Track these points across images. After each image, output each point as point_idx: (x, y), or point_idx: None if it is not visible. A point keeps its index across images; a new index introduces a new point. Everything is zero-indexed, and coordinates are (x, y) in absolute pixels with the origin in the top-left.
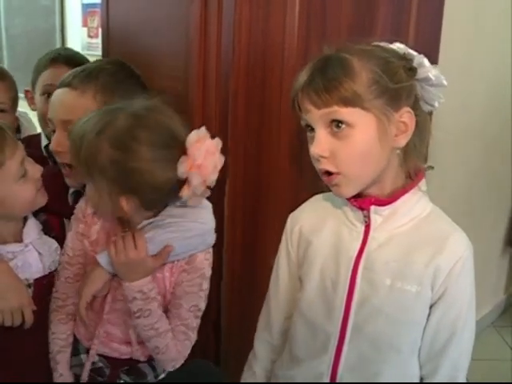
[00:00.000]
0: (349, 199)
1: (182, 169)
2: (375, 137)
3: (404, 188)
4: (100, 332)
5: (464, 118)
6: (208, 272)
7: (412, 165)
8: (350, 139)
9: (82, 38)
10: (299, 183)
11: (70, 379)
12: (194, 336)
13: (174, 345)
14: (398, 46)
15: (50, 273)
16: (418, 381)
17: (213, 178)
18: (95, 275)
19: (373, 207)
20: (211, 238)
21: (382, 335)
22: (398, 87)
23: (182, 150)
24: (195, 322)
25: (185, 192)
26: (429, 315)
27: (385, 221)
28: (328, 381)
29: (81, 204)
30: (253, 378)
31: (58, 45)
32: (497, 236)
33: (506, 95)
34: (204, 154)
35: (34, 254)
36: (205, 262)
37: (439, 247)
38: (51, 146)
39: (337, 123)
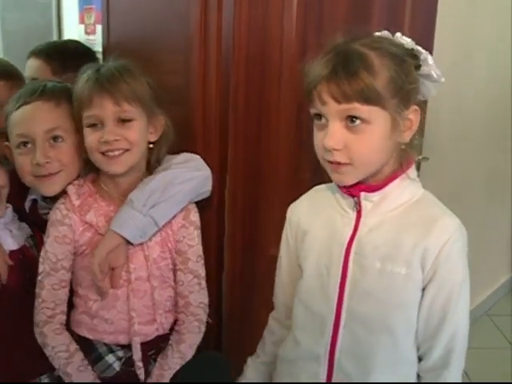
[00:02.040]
0: (339, 187)
1: None
2: (387, 133)
3: (394, 174)
4: (135, 325)
5: (461, 110)
6: (199, 222)
7: (408, 156)
8: (365, 134)
9: (79, 34)
10: (298, 174)
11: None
12: (205, 283)
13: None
14: (405, 40)
15: (23, 247)
16: (412, 362)
17: None
18: (106, 237)
19: (363, 194)
20: (209, 185)
21: (374, 317)
22: (411, 88)
23: None
24: (203, 271)
25: None
26: (422, 297)
27: (375, 206)
28: (326, 363)
29: (57, 207)
30: (264, 350)
31: None
32: (500, 231)
33: (504, 86)
34: None
35: (5, 232)
36: (195, 213)
37: (427, 229)
38: (38, 160)
39: (352, 118)
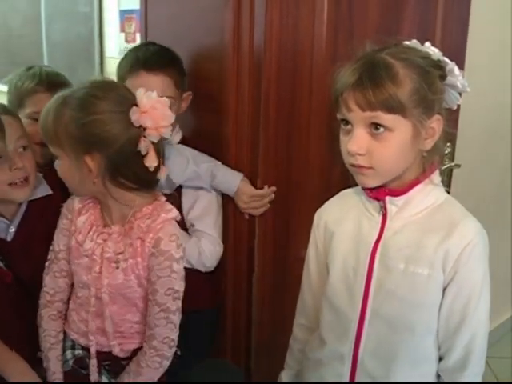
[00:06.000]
0: (365, 191)
1: (134, 116)
2: (409, 141)
3: (417, 179)
4: (92, 327)
5: (492, 117)
6: (176, 253)
7: (430, 161)
8: (387, 142)
9: (119, 42)
10: (328, 181)
11: (61, 376)
12: (176, 318)
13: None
14: (432, 50)
15: None
16: (432, 361)
17: (164, 124)
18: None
19: (388, 198)
20: None
21: (397, 317)
22: (435, 98)
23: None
24: (175, 305)
25: (142, 144)
26: (443, 297)
27: (400, 210)
28: (350, 362)
29: (68, 201)
30: (293, 359)
31: (97, 50)
32: None
33: None
34: (152, 102)
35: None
36: (170, 243)
37: (449, 232)
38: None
39: (376, 125)
